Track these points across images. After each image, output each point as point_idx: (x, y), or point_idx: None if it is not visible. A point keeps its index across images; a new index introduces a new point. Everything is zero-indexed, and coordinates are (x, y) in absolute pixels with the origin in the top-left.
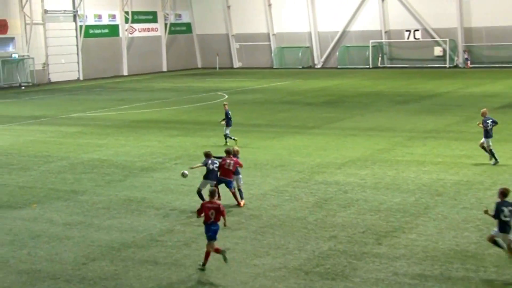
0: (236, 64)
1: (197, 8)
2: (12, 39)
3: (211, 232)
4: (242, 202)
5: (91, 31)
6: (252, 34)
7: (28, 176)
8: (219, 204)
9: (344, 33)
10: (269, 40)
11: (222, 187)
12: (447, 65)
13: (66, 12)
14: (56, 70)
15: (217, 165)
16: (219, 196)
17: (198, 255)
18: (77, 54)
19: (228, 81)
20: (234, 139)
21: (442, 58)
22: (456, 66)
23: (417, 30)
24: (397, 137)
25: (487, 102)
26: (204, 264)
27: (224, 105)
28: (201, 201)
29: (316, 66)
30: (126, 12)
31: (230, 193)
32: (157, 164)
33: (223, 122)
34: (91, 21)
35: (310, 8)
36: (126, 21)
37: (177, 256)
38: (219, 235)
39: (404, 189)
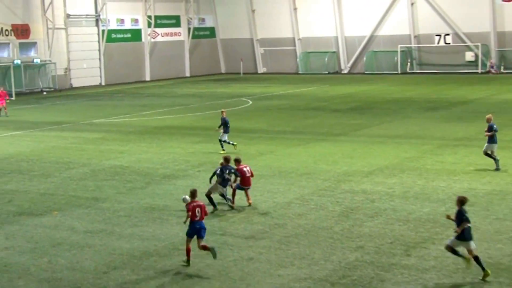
0: (261, 69)
1: (221, 12)
2: (34, 43)
3: (194, 230)
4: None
5: (113, 35)
6: (277, 38)
7: (49, 183)
8: (203, 203)
9: (371, 37)
10: (295, 45)
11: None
12: (479, 71)
13: (88, 16)
14: (78, 75)
15: (233, 171)
16: (232, 202)
17: (221, 264)
18: (99, 59)
19: (252, 86)
20: (233, 144)
21: (474, 63)
22: (489, 72)
23: (448, 34)
24: (426, 145)
25: None
26: (188, 260)
27: (222, 112)
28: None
29: (342, 72)
30: (149, 17)
31: (246, 200)
32: (180, 171)
33: (221, 130)
34: (113, 26)
35: (336, 12)
36: (149, 25)
37: (200, 265)
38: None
39: (434, 198)
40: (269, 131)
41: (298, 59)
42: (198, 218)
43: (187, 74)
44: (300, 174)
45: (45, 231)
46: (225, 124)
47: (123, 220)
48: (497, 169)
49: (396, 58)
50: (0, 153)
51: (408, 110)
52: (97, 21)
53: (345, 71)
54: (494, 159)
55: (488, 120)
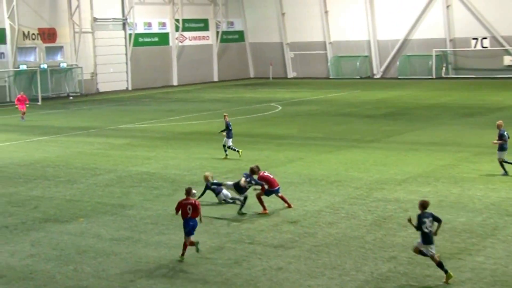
0: (291, 74)
1: (250, 15)
2: (60, 48)
3: (189, 228)
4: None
5: (140, 39)
6: (308, 42)
7: (75, 189)
8: (194, 201)
9: (405, 41)
10: (325, 49)
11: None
12: None
13: (115, 20)
14: (104, 79)
15: (253, 182)
16: (264, 208)
17: (250, 274)
18: (126, 63)
19: (281, 91)
20: (237, 150)
21: None
22: None
23: (485, 38)
24: (462, 152)
25: None
26: (183, 254)
27: (225, 116)
28: (262, 207)
29: (375, 76)
30: (177, 20)
31: (279, 199)
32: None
33: (224, 134)
34: (140, 29)
35: (369, 15)
36: (177, 29)
37: (228, 275)
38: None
39: (470, 208)
40: (299, 137)
41: (329, 64)
42: (189, 215)
43: (215, 79)
44: (330, 182)
45: (70, 238)
46: (227, 128)
47: (150, 227)
48: (505, 174)
49: (430, 62)
50: (26, 158)
51: (443, 116)
52: (124, 24)
53: (378, 76)
54: (503, 164)
55: (499, 127)
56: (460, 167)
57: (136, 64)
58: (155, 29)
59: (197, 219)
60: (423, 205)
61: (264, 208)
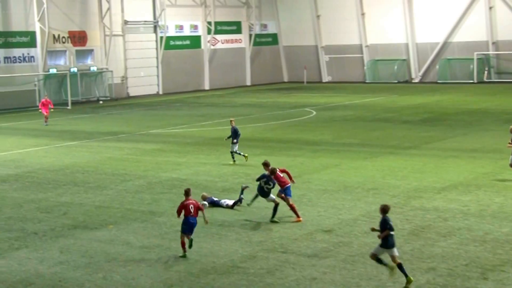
0: (326, 78)
1: (284, 18)
2: (91, 51)
3: (188, 225)
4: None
5: (171, 42)
6: (343, 45)
7: (104, 195)
8: (195, 201)
9: (445, 44)
10: (362, 52)
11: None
12: None
13: (146, 23)
14: (135, 83)
15: (271, 186)
16: (298, 216)
17: (283, 284)
18: (157, 67)
19: (316, 96)
20: (244, 155)
21: None
22: None
23: None
24: (505, 160)
25: None
26: (185, 252)
27: (231, 121)
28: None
29: (413, 81)
30: (209, 23)
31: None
32: (239, 185)
33: (235, 140)
34: (172, 32)
35: (407, 17)
36: (209, 32)
37: (260, 284)
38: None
39: None
40: (334, 144)
41: (365, 67)
42: (192, 213)
43: (248, 83)
44: (366, 190)
45: (100, 245)
46: (235, 134)
47: (180, 235)
48: None
49: (472, 66)
50: (55, 164)
51: (485, 122)
52: (155, 27)
53: (416, 80)
54: None
55: None
56: (502, 175)
57: (167, 68)
58: (186, 32)
59: (197, 218)
60: (384, 209)
61: (298, 216)
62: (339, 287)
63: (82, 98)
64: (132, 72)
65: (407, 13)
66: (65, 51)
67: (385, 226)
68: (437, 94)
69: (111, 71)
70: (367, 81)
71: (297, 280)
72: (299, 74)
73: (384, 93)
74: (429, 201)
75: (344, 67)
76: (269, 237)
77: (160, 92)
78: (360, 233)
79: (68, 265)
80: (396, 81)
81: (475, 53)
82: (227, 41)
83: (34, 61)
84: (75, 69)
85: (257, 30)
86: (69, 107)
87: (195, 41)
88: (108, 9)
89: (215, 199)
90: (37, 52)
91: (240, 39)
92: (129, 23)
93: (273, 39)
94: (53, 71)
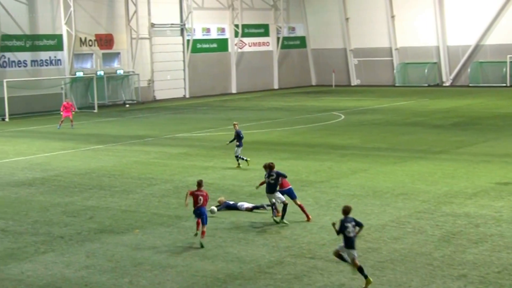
0: (354, 81)
1: (313, 20)
2: (117, 54)
3: (197, 214)
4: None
5: (198, 45)
6: (373, 48)
7: (130, 200)
8: (206, 193)
9: (477, 47)
10: (391, 55)
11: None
12: None
13: (173, 25)
14: (161, 87)
15: (273, 177)
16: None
17: None
18: (184, 70)
19: (345, 100)
20: (246, 159)
21: None
22: None
23: None
24: None
25: None
26: (197, 230)
27: (234, 124)
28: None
29: (444, 84)
30: (236, 25)
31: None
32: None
33: (237, 143)
34: (199, 35)
35: (438, 20)
36: (236, 35)
37: None
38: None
39: None
40: (363, 148)
41: (395, 71)
42: (200, 204)
43: (275, 87)
44: (396, 195)
45: (126, 249)
46: (238, 137)
47: (207, 240)
48: None
49: (505, 69)
50: (81, 167)
51: None
52: (182, 30)
53: (447, 84)
54: None
55: None
56: None
57: (194, 71)
58: (213, 35)
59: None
60: (345, 210)
61: (307, 216)
62: None
63: (109, 101)
64: (158, 76)
65: (438, 15)
66: (92, 54)
67: (342, 226)
68: (469, 98)
69: (138, 74)
70: (396, 85)
71: (325, 286)
72: (327, 77)
73: (414, 97)
74: (460, 206)
75: (373, 70)
76: (296, 243)
77: (187, 96)
78: (389, 239)
79: (94, 269)
80: (426, 85)
81: (508, 56)
82: (254, 44)
83: (60, 64)
84: (102, 72)
85: (285, 33)
86: (95, 111)
87: (222, 44)
88: (135, 12)
89: (231, 203)
90: (64, 55)
91: (267, 42)
92: (156, 26)
93: (301, 42)
94: (79, 74)
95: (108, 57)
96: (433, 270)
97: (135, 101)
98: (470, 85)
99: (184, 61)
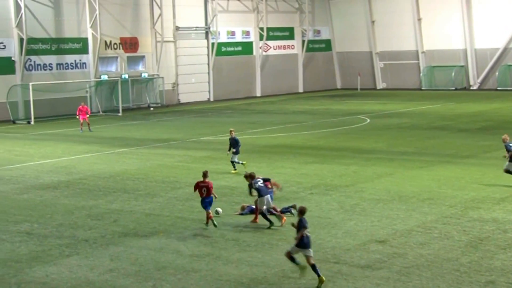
0: (380, 85)
1: (338, 23)
2: (142, 57)
3: (206, 203)
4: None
5: (223, 48)
6: (399, 51)
7: (154, 203)
8: (209, 183)
9: (506, 50)
10: (418, 59)
11: None
12: None
13: (198, 29)
14: (186, 90)
15: (261, 182)
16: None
17: None
18: (208, 73)
19: (370, 103)
20: (242, 163)
21: None
22: None
23: None
24: None
25: None
26: (207, 223)
27: (231, 131)
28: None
29: (471, 88)
30: (261, 29)
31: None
32: (291, 194)
33: (233, 150)
34: (223, 38)
35: (466, 22)
36: (261, 38)
37: None
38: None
39: None
40: (388, 152)
41: (421, 74)
42: (205, 195)
43: (300, 90)
44: (422, 200)
45: (149, 253)
46: (235, 144)
47: (231, 244)
48: None
49: None
50: (106, 170)
51: None
52: (206, 33)
53: (475, 87)
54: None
55: (504, 140)
56: None
57: (219, 74)
58: (238, 38)
59: (212, 196)
60: (302, 211)
61: (256, 217)
62: None
63: (133, 104)
64: (183, 79)
65: (465, 18)
66: (117, 57)
67: (301, 226)
68: (497, 102)
69: (162, 78)
70: (423, 88)
71: None
72: (352, 80)
73: (441, 101)
74: (488, 212)
75: (399, 73)
76: (321, 247)
77: (211, 99)
78: (415, 244)
79: (118, 272)
80: (453, 88)
81: None
82: (279, 47)
83: (86, 68)
84: (126, 76)
85: (310, 36)
86: (120, 114)
87: (247, 47)
88: (160, 15)
89: (254, 206)
90: (89, 58)
91: (292, 45)
92: (180, 29)
93: (326, 45)
94: (104, 77)
95: (133, 60)
96: (460, 276)
97: (160, 105)
98: (498, 88)
99: (208, 64)
